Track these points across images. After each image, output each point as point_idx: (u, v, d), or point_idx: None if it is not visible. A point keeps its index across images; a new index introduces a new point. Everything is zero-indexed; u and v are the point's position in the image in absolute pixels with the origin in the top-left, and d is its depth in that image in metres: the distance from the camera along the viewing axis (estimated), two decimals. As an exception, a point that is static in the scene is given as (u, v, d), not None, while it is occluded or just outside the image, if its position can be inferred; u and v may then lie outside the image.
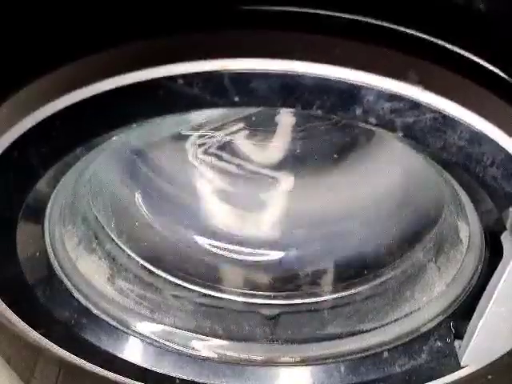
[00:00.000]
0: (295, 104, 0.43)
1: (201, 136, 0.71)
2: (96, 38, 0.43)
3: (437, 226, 0.73)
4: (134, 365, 0.73)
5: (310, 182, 0.78)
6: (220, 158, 0.74)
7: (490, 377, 0.71)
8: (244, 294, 0.81)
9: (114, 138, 0.50)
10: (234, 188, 0.78)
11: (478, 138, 0.44)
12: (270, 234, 0.81)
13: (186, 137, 0.71)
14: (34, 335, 0.67)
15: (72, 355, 0.71)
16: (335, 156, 0.75)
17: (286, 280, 0.82)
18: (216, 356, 0.76)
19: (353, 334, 0.76)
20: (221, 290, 0.81)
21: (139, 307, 0.75)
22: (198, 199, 0.79)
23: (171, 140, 0.72)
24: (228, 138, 0.71)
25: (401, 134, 0.44)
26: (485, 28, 0.43)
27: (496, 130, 0.43)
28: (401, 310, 0.74)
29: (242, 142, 0.73)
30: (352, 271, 0.80)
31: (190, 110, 0.44)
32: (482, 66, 0.43)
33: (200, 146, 0.72)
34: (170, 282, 0.79)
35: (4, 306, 0.62)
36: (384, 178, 0.76)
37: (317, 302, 0.81)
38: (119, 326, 0.72)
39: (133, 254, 0.77)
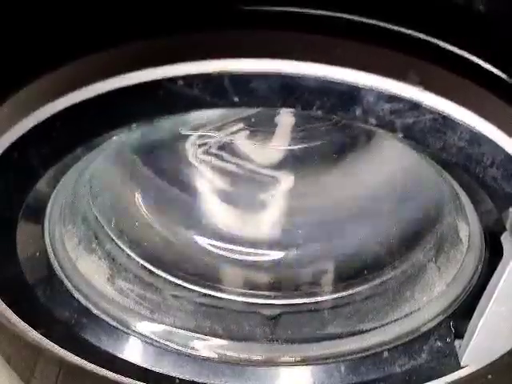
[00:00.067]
0: (295, 104, 0.43)
1: (201, 136, 0.71)
2: (96, 38, 0.43)
3: (437, 226, 0.73)
4: (133, 365, 0.73)
5: (310, 181, 0.78)
6: (220, 158, 0.74)
7: (490, 376, 0.71)
8: (244, 294, 0.81)
9: (114, 138, 0.50)
10: (234, 188, 0.78)
11: (478, 138, 0.44)
12: (270, 234, 0.82)
13: (186, 137, 0.71)
14: (34, 335, 0.67)
15: (72, 355, 0.71)
16: (335, 156, 0.75)
17: (286, 280, 0.82)
18: (216, 356, 0.76)
19: (353, 333, 0.76)
20: (221, 290, 0.81)
21: (139, 307, 0.75)
22: (197, 199, 0.79)
23: (171, 140, 0.72)
24: (228, 138, 0.71)
25: (401, 135, 0.44)
26: (485, 28, 0.43)
27: (496, 130, 0.43)
28: (401, 310, 0.74)
29: (242, 142, 0.73)
30: (352, 271, 0.80)
31: (190, 110, 0.44)
32: (481, 66, 0.43)
33: (200, 146, 0.72)
34: (170, 281, 0.79)
35: (4, 305, 0.62)
36: (384, 177, 0.76)
37: (317, 302, 0.81)
38: (119, 326, 0.72)
39: (133, 254, 0.77)
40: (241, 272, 0.83)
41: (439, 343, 0.70)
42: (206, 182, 0.78)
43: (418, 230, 0.76)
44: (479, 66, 0.43)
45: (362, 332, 0.76)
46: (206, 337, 0.77)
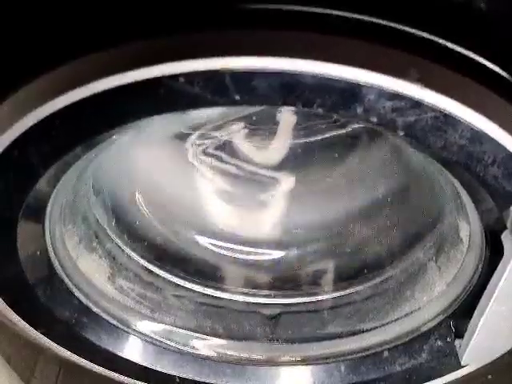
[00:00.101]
0: (296, 102, 0.43)
1: (201, 135, 0.71)
2: (97, 37, 0.43)
3: (437, 225, 0.73)
4: (134, 364, 0.73)
5: (311, 181, 0.78)
6: (220, 157, 0.74)
7: (490, 376, 0.71)
8: (244, 294, 0.81)
9: (114, 137, 0.50)
10: (234, 188, 0.78)
11: (479, 136, 0.44)
12: (271, 234, 0.82)
13: (186, 136, 0.71)
14: (35, 334, 0.67)
15: (72, 354, 0.71)
16: (335, 156, 0.75)
17: (286, 279, 0.82)
18: (216, 355, 0.76)
19: (353, 333, 0.76)
20: (221, 290, 0.81)
21: (139, 306, 0.75)
22: (198, 199, 0.79)
23: (171, 139, 0.72)
24: (228, 137, 0.71)
25: (402, 133, 0.44)
26: (485, 26, 0.43)
27: (497, 128, 0.43)
28: (401, 310, 0.74)
29: (243, 142, 0.73)
30: (352, 271, 0.80)
31: (191, 108, 0.44)
32: (482, 64, 0.43)
33: (200, 145, 0.72)
34: (171, 281, 0.79)
35: (5, 305, 0.62)
36: (384, 177, 0.76)
37: (317, 302, 0.81)
38: (120, 325, 0.72)
39: (133, 253, 0.77)
40: (241, 271, 0.83)
41: (439, 343, 0.70)
42: (207, 182, 0.78)
43: (418, 230, 0.76)
44: (480, 64, 0.43)
45: (362, 331, 0.76)
46: (207, 336, 0.77)
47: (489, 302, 0.57)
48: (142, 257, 0.78)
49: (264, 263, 0.83)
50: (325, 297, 0.81)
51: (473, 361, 0.66)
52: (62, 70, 0.44)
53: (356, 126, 0.68)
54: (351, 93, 0.41)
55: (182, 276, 0.80)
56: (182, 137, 0.71)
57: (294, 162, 0.74)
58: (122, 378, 0.74)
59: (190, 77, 0.41)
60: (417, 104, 0.41)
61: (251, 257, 0.83)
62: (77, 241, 0.70)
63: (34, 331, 0.67)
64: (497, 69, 0.43)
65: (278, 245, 0.82)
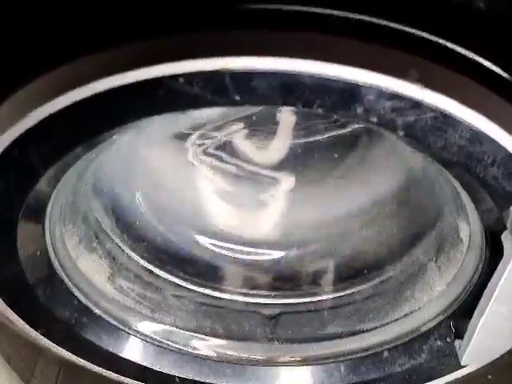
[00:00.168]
0: (296, 103, 0.43)
1: (201, 135, 0.71)
2: (97, 37, 0.43)
3: (437, 225, 0.73)
4: (134, 364, 0.73)
5: (311, 181, 0.78)
6: (220, 157, 0.74)
7: (490, 376, 0.71)
8: (244, 294, 0.81)
9: (114, 137, 0.50)
10: (234, 188, 0.78)
11: (479, 137, 0.44)
12: (271, 234, 0.82)
13: (186, 136, 0.71)
14: (35, 335, 0.67)
15: (72, 355, 0.71)
16: (335, 156, 0.75)
17: (286, 280, 0.82)
18: (216, 355, 0.76)
19: (353, 333, 0.76)
20: (221, 290, 0.81)
21: (139, 306, 0.75)
22: (198, 199, 0.79)
23: (171, 139, 0.72)
24: (228, 137, 0.71)
25: (401, 133, 0.44)
26: (485, 27, 0.43)
27: (497, 128, 0.43)
28: (401, 310, 0.74)
29: (243, 142, 0.73)
30: (352, 271, 0.80)
31: (191, 108, 0.44)
32: (482, 64, 0.43)
33: (200, 145, 0.72)
34: (171, 281, 0.79)
35: (4, 305, 0.62)
36: (384, 177, 0.76)
37: (317, 302, 0.81)
38: (120, 326, 0.72)
39: (133, 254, 0.77)
40: (241, 271, 0.83)
41: (439, 343, 0.70)
42: (207, 182, 0.78)
43: (418, 230, 0.76)
44: (480, 64, 0.43)
45: (362, 332, 0.76)
46: (207, 336, 0.77)
47: (489, 302, 0.57)
48: (142, 257, 0.78)
49: (264, 263, 0.83)
50: (325, 297, 0.81)
51: (473, 361, 0.66)
52: (62, 70, 0.44)
53: (356, 126, 0.68)
54: (351, 93, 0.41)
55: (181, 276, 0.80)
56: (182, 137, 0.71)
57: (293, 162, 0.74)
58: (121, 378, 0.74)
59: (190, 77, 0.41)
60: (417, 104, 0.41)
61: (251, 257, 0.83)
62: (77, 241, 0.70)
63: (34, 331, 0.67)
64: (497, 69, 0.43)
65: (277, 245, 0.82)
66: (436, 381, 0.71)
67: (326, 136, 0.72)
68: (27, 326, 0.66)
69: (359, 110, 0.42)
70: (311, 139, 0.72)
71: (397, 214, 0.77)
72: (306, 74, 0.40)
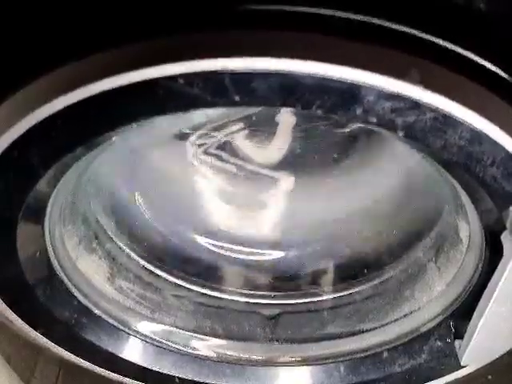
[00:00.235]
0: (295, 104, 0.43)
1: (201, 136, 0.71)
2: (97, 38, 0.43)
3: (437, 225, 0.73)
4: (133, 364, 0.73)
5: (310, 181, 0.78)
6: (220, 157, 0.74)
7: (490, 377, 0.71)
8: (244, 294, 0.81)
9: (114, 138, 0.50)
10: (234, 188, 0.78)
11: (479, 137, 0.44)
12: (270, 234, 0.81)
13: (186, 136, 0.71)
14: (34, 335, 0.67)
15: (72, 355, 0.71)
16: (335, 156, 0.75)
17: (286, 280, 0.82)
18: (216, 355, 0.76)
19: (353, 333, 0.76)
20: (221, 290, 0.81)
21: (139, 307, 0.75)
22: (198, 199, 0.79)
23: (171, 140, 0.72)
24: (228, 137, 0.71)
25: (401, 134, 0.44)
26: (485, 28, 0.43)
27: (496, 129, 0.43)
28: (401, 310, 0.74)
29: (242, 142, 0.73)
30: (352, 271, 0.80)
31: (191, 109, 0.44)
32: (482, 65, 0.43)
33: (200, 145, 0.72)
34: (170, 281, 0.79)
35: (4, 305, 0.62)
36: (384, 177, 0.76)
37: (317, 302, 0.81)
38: (119, 326, 0.72)
39: (133, 254, 0.77)
40: (241, 272, 0.83)
41: (439, 343, 0.70)
42: (206, 182, 0.77)
43: (418, 230, 0.76)
44: (480, 65, 0.43)
45: (361, 332, 0.76)
46: (206, 336, 0.77)
47: (488, 302, 0.57)
48: (142, 257, 0.78)
49: (264, 263, 0.83)
50: (324, 297, 0.81)
51: (472, 361, 0.66)
52: (62, 71, 0.43)
53: (356, 126, 0.68)
54: (351, 94, 0.41)
55: (181, 276, 0.80)
56: (182, 137, 0.71)
57: (293, 161, 0.74)
58: (121, 378, 0.74)
59: (190, 78, 0.41)
60: (416, 105, 0.41)
61: (251, 257, 0.83)
62: (76, 241, 0.70)
63: (34, 331, 0.67)
64: (496, 70, 0.43)
65: (277, 245, 0.82)
66: (436, 381, 0.71)
67: (326, 136, 0.72)
68: (27, 326, 0.66)
69: (359, 111, 0.42)
70: (311, 139, 0.72)
71: (397, 213, 0.77)
72: (305, 75, 0.40)
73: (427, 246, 0.75)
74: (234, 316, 0.79)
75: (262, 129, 0.71)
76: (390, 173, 0.75)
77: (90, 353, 0.71)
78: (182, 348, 0.75)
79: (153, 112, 0.44)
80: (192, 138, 0.71)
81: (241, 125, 0.69)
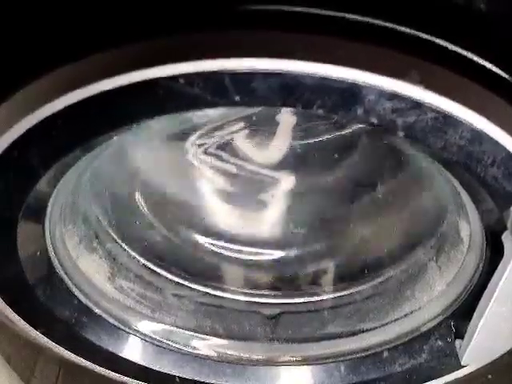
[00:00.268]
0: (296, 104, 0.43)
1: (201, 136, 0.71)
2: (97, 38, 0.43)
3: (437, 225, 0.73)
4: (134, 363, 0.73)
5: (311, 181, 0.78)
6: (220, 157, 0.74)
7: (490, 376, 0.71)
8: (244, 294, 0.81)
9: (114, 138, 0.50)
10: (234, 187, 0.78)
11: (479, 137, 0.44)
12: (271, 234, 0.81)
13: (186, 136, 0.71)
14: (35, 334, 0.67)
15: (72, 354, 0.71)
16: (335, 156, 0.75)
17: (286, 279, 0.82)
18: (216, 355, 0.76)
19: (353, 333, 0.76)
20: (221, 289, 0.81)
21: (140, 306, 0.75)
22: (198, 198, 0.79)
23: (171, 139, 0.72)
24: (228, 137, 0.71)
25: (402, 134, 0.44)
26: (485, 28, 0.43)
27: (497, 129, 0.43)
28: (401, 310, 0.74)
29: (243, 142, 0.73)
30: (352, 271, 0.80)
31: (191, 109, 0.44)
32: (482, 65, 0.43)
33: (200, 145, 0.72)
34: (171, 281, 0.79)
35: (4, 305, 0.62)
36: (384, 177, 0.76)
37: (317, 302, 0.81)
38: (120, 325, 0.72)
39: (133, 253, 0.77)
40: (241, 271, 0.83)
41: (439, 343, 0.70)
42: (207, 182, 0.77)
43: (418, 230, 0.76)
44: (480, 65, 0.43)
45: (362, 331, 0.76)
46: (207, 336, 0.77)
47: (489, 302, 0.57)
48: (143, 257, 0.78)
49: (264, 263, 0.83)
50: (325, 297, 0.81)
51: (473, 361, 0.66)
52: (62, 72, 0.43)
53: (356, 126, 0.68)
54: (351, 94, 0.41)
55: (182, 276, 0.80)
56: (182, 137, 0.71)
57: (293, 161, 0.74)
58: (121, 377, 0.74)
59: (190, 78, 0.41)
60: (417, 105, 0.41)
61: (251, 257, 0.83)
62: (77, 241, 0.70)
63: (34, 331, 0.67)
64: (496, 70, 0.43)
65: (277, 245, 0.82)
66: (436, 381, 0.71)
67: (326, 136, 0.72)
68: (27, 326, 0.66)
69: (359, 111, 0.42)
70: (311, 139, 0.72)
71: (397, 213, 0.77)
72: (306, 75, 0.40)
73: (428, 245, 0.75)
74: (235, 315, 0.79)
75: (262, 129, 0.70)
76: (390, 173, 0.75)
77: (91, 352, 0.71)
78: (182, 347, 0.75)
79: (153, 112, 0.44)
80: (192, 138, 0.71)
81: (241, 125, 0.68)
